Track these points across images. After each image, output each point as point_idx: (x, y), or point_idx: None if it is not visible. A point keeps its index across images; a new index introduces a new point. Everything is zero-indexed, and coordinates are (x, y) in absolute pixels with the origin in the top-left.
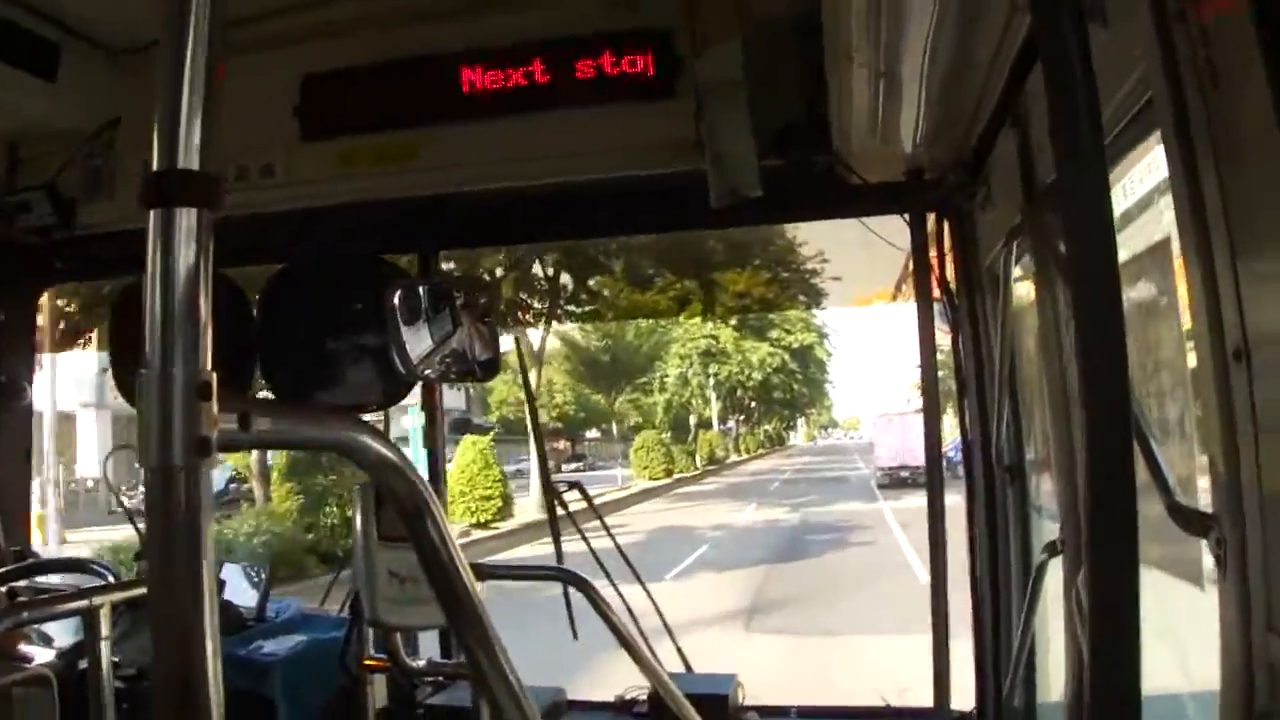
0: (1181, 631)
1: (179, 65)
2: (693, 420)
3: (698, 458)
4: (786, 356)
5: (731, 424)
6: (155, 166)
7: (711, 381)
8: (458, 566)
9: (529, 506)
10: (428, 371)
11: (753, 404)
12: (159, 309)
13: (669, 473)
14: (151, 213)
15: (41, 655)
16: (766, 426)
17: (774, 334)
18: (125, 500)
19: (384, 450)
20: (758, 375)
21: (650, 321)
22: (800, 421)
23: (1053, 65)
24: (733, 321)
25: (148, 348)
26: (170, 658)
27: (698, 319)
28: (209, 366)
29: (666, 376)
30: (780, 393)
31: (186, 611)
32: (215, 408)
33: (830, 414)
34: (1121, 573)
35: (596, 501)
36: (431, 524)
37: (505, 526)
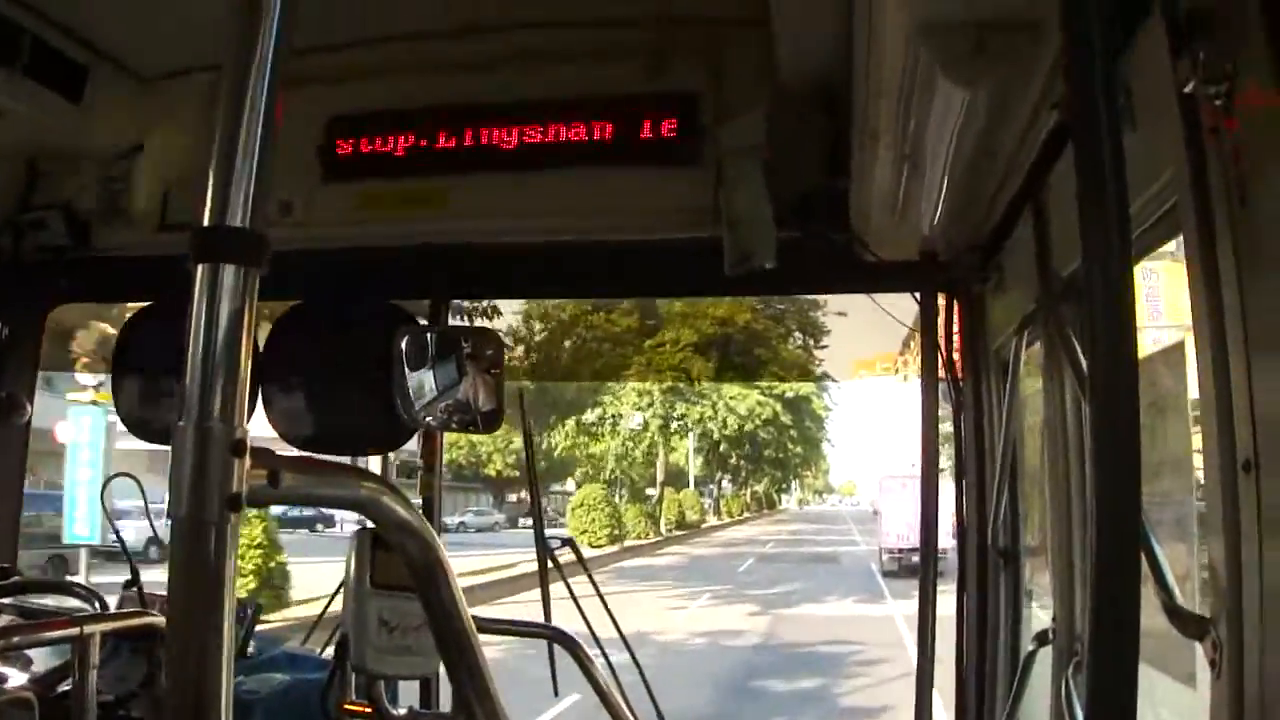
0: None
1: (236, 125)
2: (658, 475)
3: (661, 521)
4: (779, 407)
5: (721, 483)
6: (206, 221)
7: (675, 426)
8: (464, 624)
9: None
10: (429, 419)
11: (737, 461)
12: (200, 363)
13: (615, 539)
14: (200, 267)
15: (18, 677)
16: (756, 487)
17: (765, 382)
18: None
19: (402, 511)
20: (733, 422)
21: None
22: (794, 484)
23: (1085, 163)
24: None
25: (186, 400)
26: (186, 702)
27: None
28: (246, 424)
29: (619, 416)
30: (771, 450)
31: (204, 661)
32: (248, 464)
33: (826, 478)
34: (1122, 671)
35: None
36: (444, 583)
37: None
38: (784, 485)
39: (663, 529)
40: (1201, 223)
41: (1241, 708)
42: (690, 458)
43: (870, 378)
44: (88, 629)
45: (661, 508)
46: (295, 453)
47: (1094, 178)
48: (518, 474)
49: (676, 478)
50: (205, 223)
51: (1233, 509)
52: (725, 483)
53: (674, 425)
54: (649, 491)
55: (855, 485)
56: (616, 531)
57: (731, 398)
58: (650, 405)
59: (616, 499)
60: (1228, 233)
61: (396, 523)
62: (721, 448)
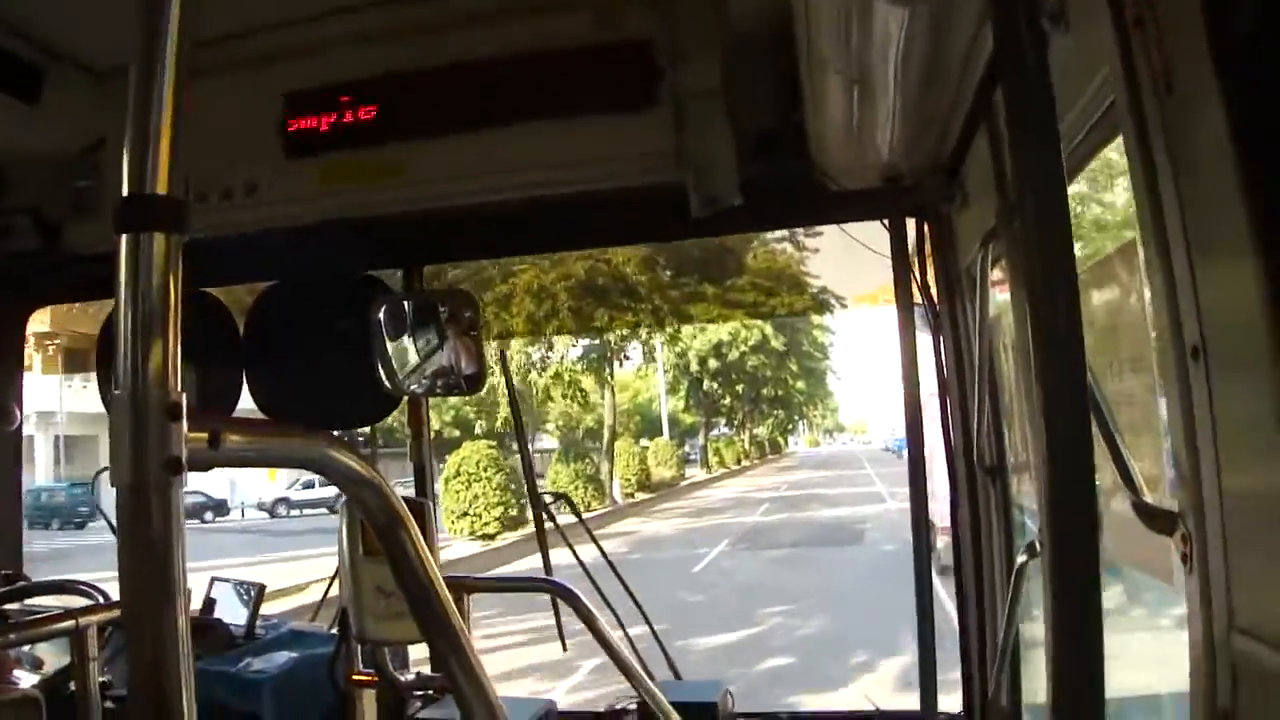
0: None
1: (147, 90)
2: (606, 421)
3: (615, 483)
4: (767, 329)
5: (709, 427)
6: (125, 191)
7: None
8: (432, 581)
9: None
10: (414, 386)
11: (731, 401)
12: (130, 332)
13: (517, 522)
14: (123, 237)
15: (29, 678)
16: (758, 430)
17: (751, 297)
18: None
19: (356, 466)
20: (702, 345)
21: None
22: (802, 426)
23: (1011, 76)
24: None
25: (120, 370)
26: (144, 676)
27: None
28: (179, 387)
29: (548, 351)
30: (770, 387)
31: (159, 630)
32: (185, 427)
33: (836, 417)
34: (1082, 571)
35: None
36: (406, 538)
37: None
38: (789, 427)
39: (617, 494)
40: (1136, 118)
41: (1210, 598)
42: (663, 399)
43: (872, 309)
44: (83, 621)
45: (613, 465)
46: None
47: (1021, 85)
48: (458, 434)
49: (652, 425)
50: (125, 192)
51: (1186, 397)
52: (722, 426)
53: (625, 353)
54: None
55: (867, 424)
56: (509, 515)
57: (709, 319)
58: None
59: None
60: (1159, 125)
61: (350, 477)
62: (705, 385)
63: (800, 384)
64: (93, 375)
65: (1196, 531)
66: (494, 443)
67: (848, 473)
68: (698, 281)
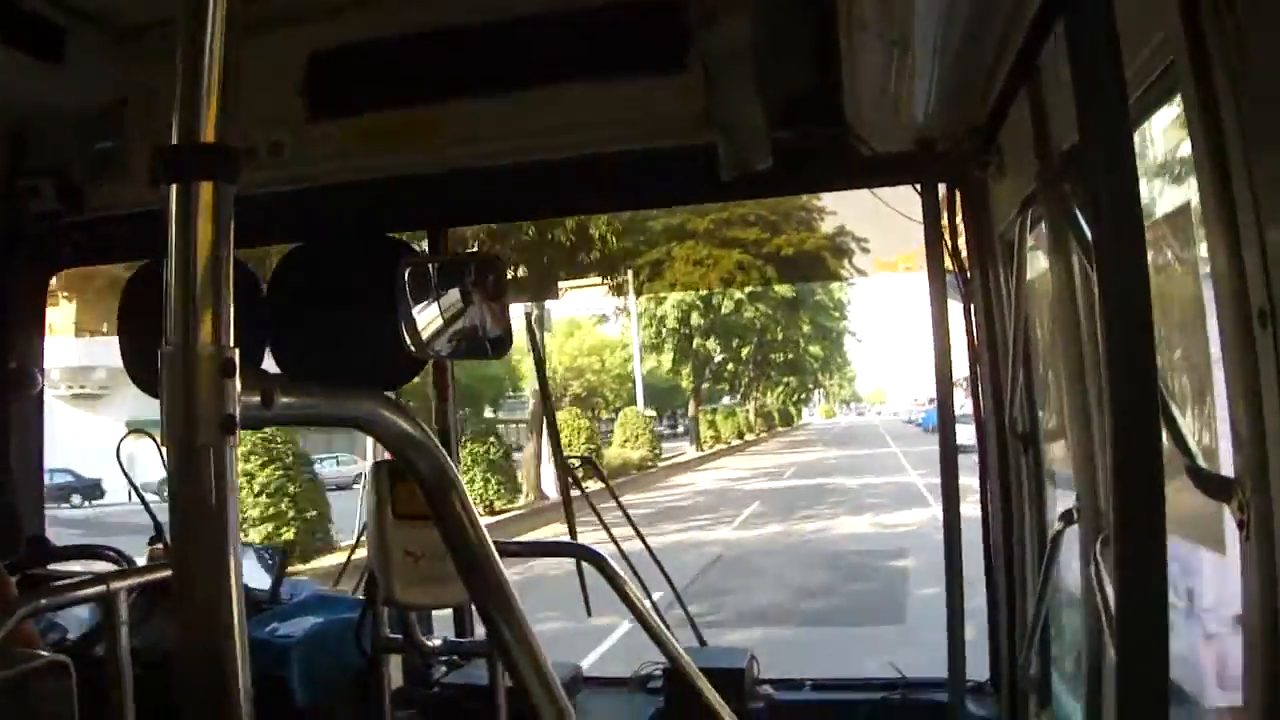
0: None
1: (199, 39)
2: (527, 390)
3: (545, 470)
4: (770, 271)
5: (698, 397)
6: (175, 140)
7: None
8: (483, 542)
9: None
10: (438, 349)
11: (735, 367)
12: (180, 285)
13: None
14: (173, 188)
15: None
16: (767, 399)
17: (751, 235)
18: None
19: (407, 426)
20: (681, 297)
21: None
22: (817, 395)
23: (1076, 27)
24: None
25: (169, 325)
26: (194, 637)
27: None
28: (232, 343)
29: None
30: (781, 351)
31: (211, 590)
32: (239, 385)
33: (853, 386)
34: (1149, 538)
35: None
36: (457, 499)
37: None
38: (802, 396)
39: (549, 487)
40: (1201, 80)
41: (1274, 565)
42: (636, 361)
43: (893, 276)
44: (114, 585)
45: (540, 443)
46: None
47: (1086, 43)
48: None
49: (647, 393)
50: (174, 141)
51: (1251, 363)
52: (728, 397)
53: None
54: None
55: (886, 393)
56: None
57: (697, 260)
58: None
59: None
60: (1227, 84)
61: (403, 438)
62: (694, 344)
63: (814, 348)
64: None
65: (1257, 497)
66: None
67: (869, 453)
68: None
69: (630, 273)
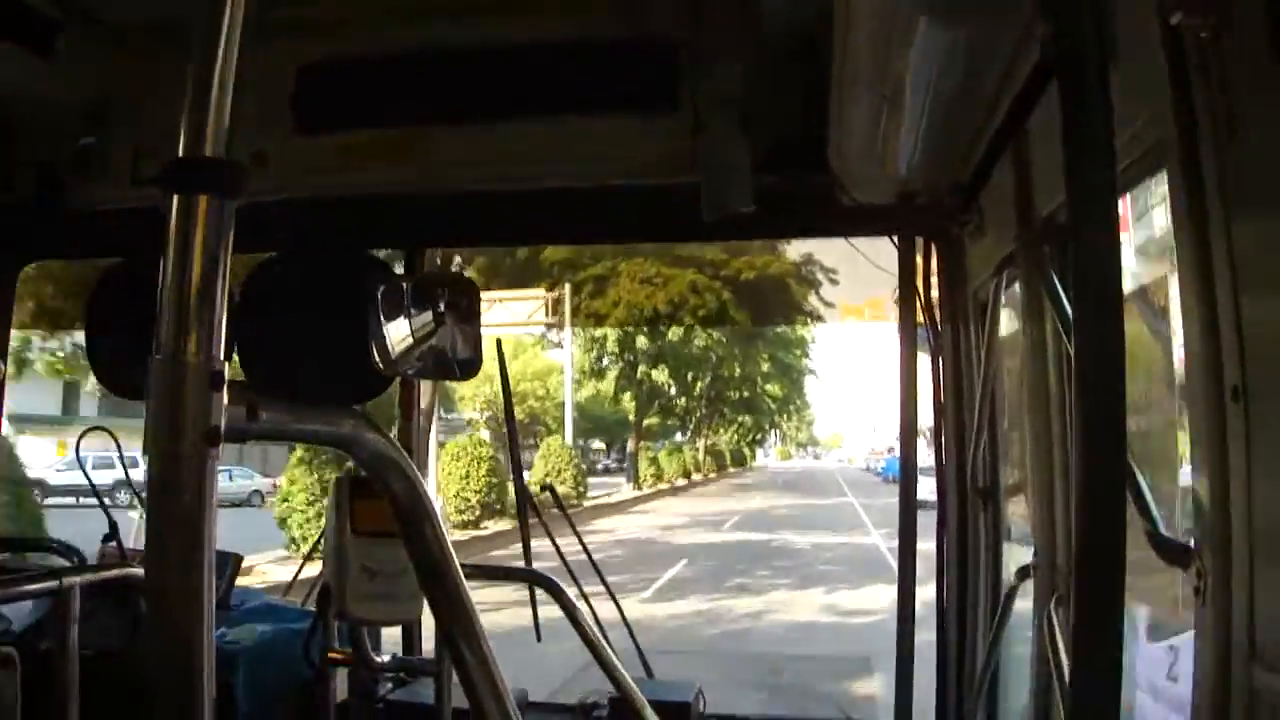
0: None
1: (210, 53)
2: (467, 411)
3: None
4: (726, 295)
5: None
6: (181, 152)
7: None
8: (449, 561)
9: None
10: (406, 368)
11: (688, 402)
12: (174, 295)
13: None
14: (175, 198)
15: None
16: (719, 437)
17: (708, 254)
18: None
19: (386, 448)
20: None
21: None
22: (774, 436)
23: (1070, 98)
24: None
25: (162, 333)
26: (165, 643)
27: None
28: (221, 356)
29: None
30: (736, 388)
31: (184, 597)
32: (225, 397)
33: (811, 430)
34: (1107, 597)
35: None
36: (427, 522)
37: None
38: (756, 436)
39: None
40: (1187, 156)
41: (1229, 632)
42: (568, 389)
43: (858, 323)
44: (67, 581)
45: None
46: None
47: (1079, 112)
48: None
49: (599, 425)
50: (180, 153)
51: (1220, 437)
52: (681, 434)
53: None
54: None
55: (843, 437)
56: None
57: (645, 279)
58: None
59: None
60: (1214, 165)
61: (380, 458)
62: (639, 371)
63: (773, 386)
64: None
65: (1215, 566)
66: None
67: (824, 503)
68: None
69: (569, 287)
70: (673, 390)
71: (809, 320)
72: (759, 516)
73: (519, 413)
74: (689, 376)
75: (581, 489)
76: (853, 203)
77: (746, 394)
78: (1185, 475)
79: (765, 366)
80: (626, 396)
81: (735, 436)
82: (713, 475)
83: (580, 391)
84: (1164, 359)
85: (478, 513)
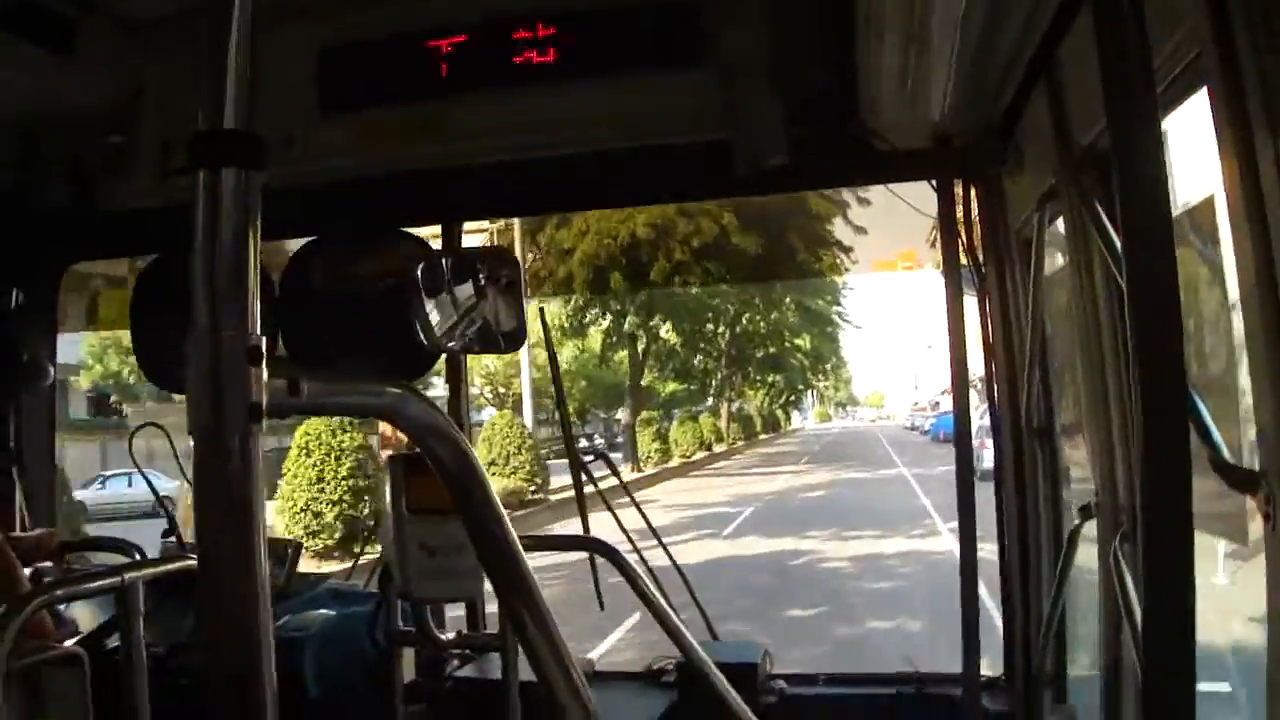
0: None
1: (224, 26)
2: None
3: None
4: (726, 219)
5: (624, 409)
6: (201, 127)
7: None
8: (506, 533)
9: None
10: (451, 343)
11: (705, 362)
12: (206, 272)
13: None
14: (200, 174)
15: (68, 636)
16: (749, 400)
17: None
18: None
19: (430, 418)
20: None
21: None
22: (810, 396)
23: (1104, 16)
24: None
25: (196, 312)
26: (220, 626)
27: None
28: (258, 330)
29: None
30: (763, 344)
31: (237, 580)
32: (265, 373)
33: (849, 388)
34: (1176, 531)
35: None
36: (479, 491)
37: None
38: (790, 398)
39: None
40: (1227, 69)
41: None
42: (525, 368)
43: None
44: (129, 576)
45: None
46: None
47: (1115, 33)
48: None
49: (609, 393)
50: (200, 128)
51: (1278, 354)
52: (633, 408)
53: None
54: None
55: (883, 395)
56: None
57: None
58: None
59: None
60: (1255, 77)
61: (427, 428)
62: (628, 323)
63: (802, 341)
64: None
65: None
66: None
67: (868, 476)
68: None
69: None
70: (675, 347)
71: (839, 264)
72: (779, 506)
73: (519, 385)
74: (703, 331)
75: (540, 480)
76: (887, 148)
77: (773, 349)
78: (1248, 400)
79: (791, 317)
80: (622, 358)
81: (766, 399)
82: (739, 444)
83: (562, 352)
84: (1216, 280)
85: (339, 533)
